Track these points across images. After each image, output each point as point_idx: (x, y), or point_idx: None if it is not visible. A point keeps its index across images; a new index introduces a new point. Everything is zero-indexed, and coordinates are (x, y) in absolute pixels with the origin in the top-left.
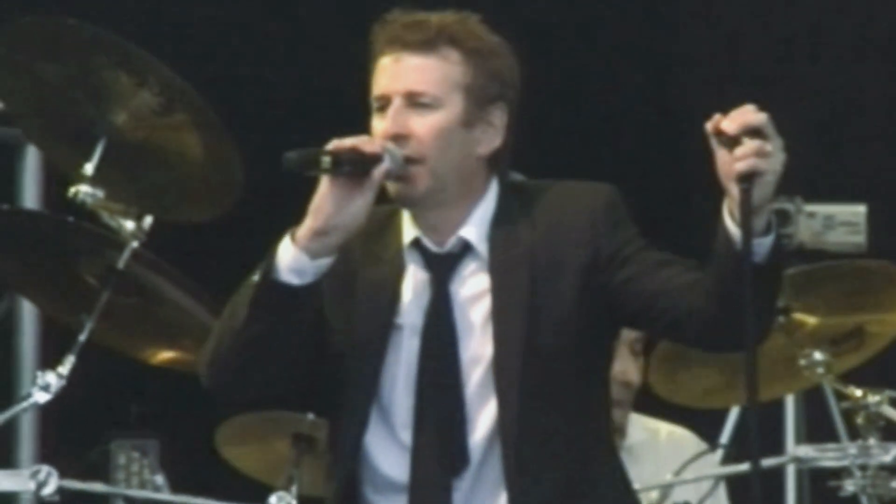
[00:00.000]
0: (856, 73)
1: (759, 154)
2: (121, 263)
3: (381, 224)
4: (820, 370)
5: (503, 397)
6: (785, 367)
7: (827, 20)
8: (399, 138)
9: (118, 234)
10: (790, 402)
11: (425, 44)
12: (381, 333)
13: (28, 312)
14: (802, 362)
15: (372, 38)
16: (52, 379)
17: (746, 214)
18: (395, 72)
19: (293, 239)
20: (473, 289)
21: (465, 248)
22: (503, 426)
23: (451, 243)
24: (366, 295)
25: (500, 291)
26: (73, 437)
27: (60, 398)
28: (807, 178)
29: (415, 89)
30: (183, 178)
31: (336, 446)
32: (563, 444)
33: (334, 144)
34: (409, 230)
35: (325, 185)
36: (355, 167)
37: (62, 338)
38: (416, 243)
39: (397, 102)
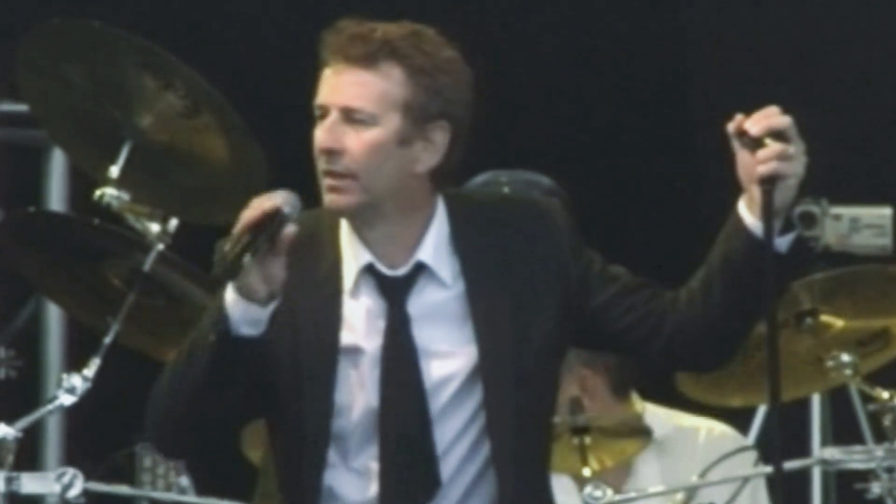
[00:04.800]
0: (882, 74)
1: (782, 157)
2: (146, 266)
3: (308, 237)
4: (847, 371)
5: (494, 423)
6: (812, 369)
7: (851, 19)
8: (332, 153)
9: (144, 237)
10: (816, 404)
11: (366, 58)
12: (328, 361)
13: (54, 315)
14: (829, 364)
15: (320, 45)
16: (78, 381)
17: (768, 217)
18: (334, 84)
19: (239, 293)
20: (432, 310)
21: (420, 270)
22: (497, 446)
23: (405, 266)
24: (305, 320)
25: (480, 312)
26: (98, 439)
27: (86, 401)
28: (833, 180)
29: (350, 105)
30: (208, 180)
31: (289, 485)
32: (542, 462)
33: (237, 236)
34: (361, 254)
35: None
36: (269, 241)
37: (88, 340)
38: (370, 268)
39: (333, 116)
